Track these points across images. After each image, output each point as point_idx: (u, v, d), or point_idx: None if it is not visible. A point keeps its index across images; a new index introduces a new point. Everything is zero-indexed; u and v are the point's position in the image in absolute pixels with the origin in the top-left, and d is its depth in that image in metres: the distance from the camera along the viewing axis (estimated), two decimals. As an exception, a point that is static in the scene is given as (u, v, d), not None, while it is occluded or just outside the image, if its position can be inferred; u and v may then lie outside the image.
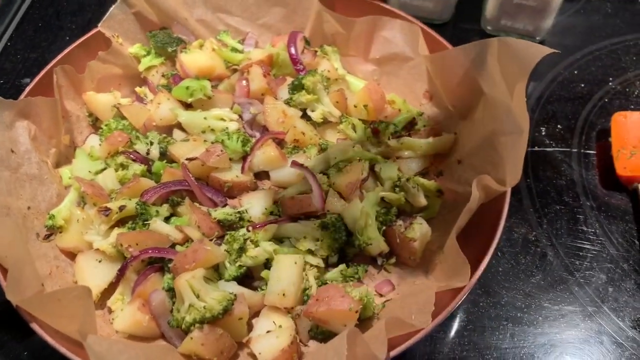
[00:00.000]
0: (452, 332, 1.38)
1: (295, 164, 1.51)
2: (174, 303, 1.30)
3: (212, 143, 1.56)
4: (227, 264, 1.36)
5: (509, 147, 1.29)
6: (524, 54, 1.31)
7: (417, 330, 1.13)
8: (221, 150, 1.51)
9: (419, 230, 1.40)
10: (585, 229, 1.54)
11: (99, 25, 1.67)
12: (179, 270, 1.28)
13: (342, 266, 1.40)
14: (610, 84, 1.86)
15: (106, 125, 1.61)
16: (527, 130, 1.26)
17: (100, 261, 1.37)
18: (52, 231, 1.41)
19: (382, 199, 1.46)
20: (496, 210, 1.30)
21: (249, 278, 1.41)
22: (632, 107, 1.80)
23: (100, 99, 1.64)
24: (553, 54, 1.25)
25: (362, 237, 1.37)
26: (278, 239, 1.44)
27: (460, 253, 1.21)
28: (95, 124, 1.68)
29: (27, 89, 1.53)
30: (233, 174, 1.54)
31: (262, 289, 1.36)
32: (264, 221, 1.45)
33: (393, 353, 1.10)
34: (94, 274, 1.36)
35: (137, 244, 1.34)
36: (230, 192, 1.54)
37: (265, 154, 1.55)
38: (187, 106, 1.67)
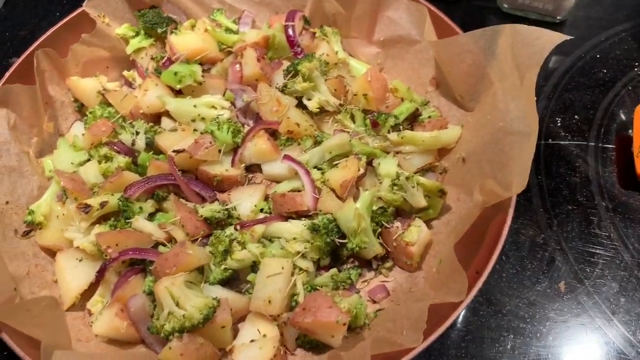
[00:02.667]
0: (449, 343, 1.30)
1: (287, 158, 1.42)
2: (155, 307, 1.24)
3: (202, 133, 1.47)
4: (212, 266, 1.29)
5: (516, 149, 1.19)
6: (535, 42, 1.20)
7: (407, 349, 1.05)
8: (210, 142, 1.42)
9: (417, 233, 1.31)
10: (599, 232, 1.42)
11: (84, 4, 1.57)
12: (160, 274, 1.22)
13: (333, 270, 1.32)
14: (635, 69, 1.71)
15: (91, 112, 1.53)
16: (536, 130, 1.15)
17: (80, 260, 1.31)
18: (32, 227, 1.35)
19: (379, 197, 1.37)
20: (500, 217, 1.20)
21: (236, 280, 1.34)
22: (659, 96, 1.65)
23: (85, 85, 1.56)
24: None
25: (354, 240, 1.29)
26: (267, 238, 1.36)
27: (457, 265, 1.12)
28: (81, 109, 1.60)
29: (7, 74, 1.46)
30: (223, 168, 1.45)
31: (249, 292, 1.29)
32: (252, 220, 1.37)
33: (378, 376, 1.02)
34: (74, 274, 1.30)
35: (117, 245, 1.27)
36: (220, 186, 1.46)
37: (256, 147, 1.46)
38: (177, 92, 1.57)
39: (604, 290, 1.34)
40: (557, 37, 1.17)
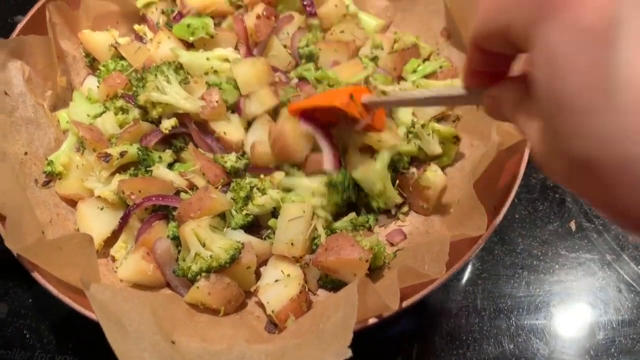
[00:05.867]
0: (466, 280, 1.34)
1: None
2: (179, 252, 1.27)
3: (208, 86, 1.45)
4: (234, 212, 1.31)
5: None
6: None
7: (431, 280, 1.08)
8: (217, 101, 1.41)
9: (433, 177, 1.34)
10: (607, 174, 1.47)
11: (92, -43, 1.56)
12: (184, 219, 1.24)
13: (352, 214, 1.35)
14: None
15: (104, 66, 1.53)
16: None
17: (102, 209, 1.32)
18: (51, 177, 1.36)
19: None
20: (516, 157, 1.23)
21: (256, 227, 1.36)
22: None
23: (97, 38, 1.55)
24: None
25: (380, 200, 1.32)
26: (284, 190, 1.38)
27: (477, 201, 1.15)
28: (93, 64, 1.60)
29: (19, 27, 1.44)
30: (231, 126, 1.44)
31: (270, 238, 1.31)
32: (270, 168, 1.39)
33: (405, 304, 1.06)
34: (96, 221, 1.31)
35: (139, 191, 1.28)
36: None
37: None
38: (189, 46, 1.57)
39: (613, 228, 1.39)
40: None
